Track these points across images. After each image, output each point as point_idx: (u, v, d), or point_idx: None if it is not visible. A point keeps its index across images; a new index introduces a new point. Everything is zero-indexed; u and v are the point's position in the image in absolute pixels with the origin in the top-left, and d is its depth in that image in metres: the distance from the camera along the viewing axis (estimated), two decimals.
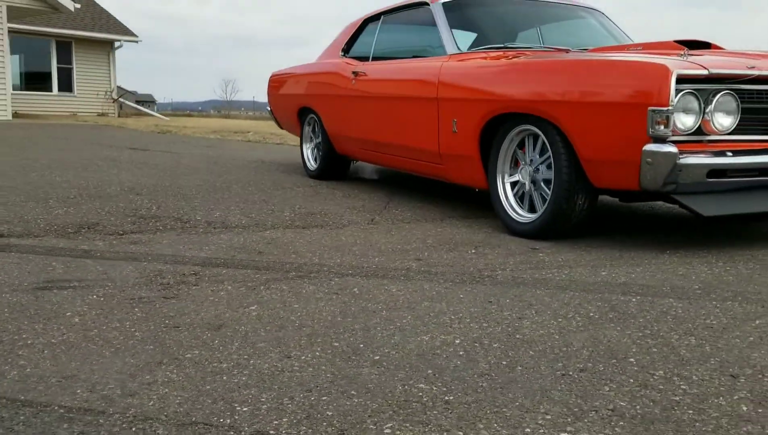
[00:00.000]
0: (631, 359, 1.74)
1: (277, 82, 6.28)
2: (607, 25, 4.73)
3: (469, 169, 3.64)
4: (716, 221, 3.66)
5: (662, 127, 2.62)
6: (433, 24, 4.16)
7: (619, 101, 2.75)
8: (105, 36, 20.88)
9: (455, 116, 3.63)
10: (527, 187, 3.29)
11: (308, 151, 5.77)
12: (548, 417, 1.42)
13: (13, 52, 18.72)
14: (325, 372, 1.65)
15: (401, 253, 2.95)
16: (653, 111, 2.61)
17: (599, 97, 2.83)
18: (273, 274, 2.61)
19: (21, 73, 20.13)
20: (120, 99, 22.20)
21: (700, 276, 2.57)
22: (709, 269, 2.67)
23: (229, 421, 1.40)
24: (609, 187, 2.96)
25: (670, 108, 2.60)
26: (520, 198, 3.37)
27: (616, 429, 1.37)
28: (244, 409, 1.45)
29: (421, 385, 1.58)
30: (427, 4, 4.30)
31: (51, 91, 20.21)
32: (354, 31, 5.26)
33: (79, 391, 1.53)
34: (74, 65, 20.49)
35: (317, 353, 1.78)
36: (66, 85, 20.44)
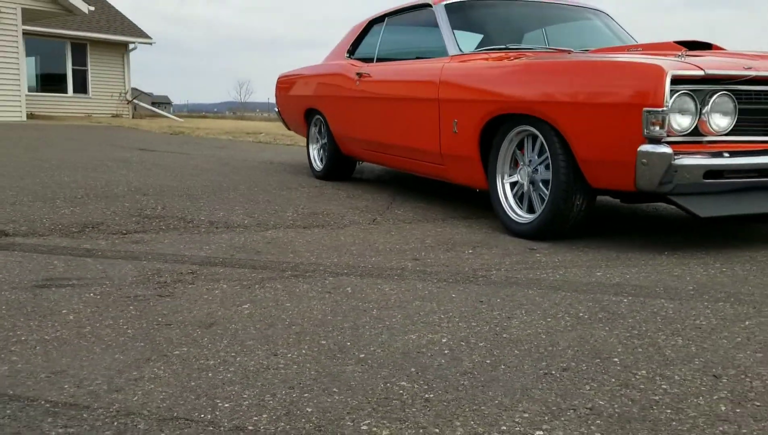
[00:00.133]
0: (615, 359, 1.75)
1: (284, 84, 6.32)
2: (612, 26, 4.72)
3: (470, 170, 3.65)
4: (713, 222, 3.65)
5: (657, 128, 2.62)
6: (436, 25, 4.18)
7: (614, 102, 2.75)
8: (119, 38, 21.07)
9: (456, 117, 3.65)
10: (526, 187, 3.30)
11: (314, 152, 5.80)
12: (526, 415, 1.44)
13: (29, 54, 18.99)
14: (310, 370, 1.68)
15: (398, 253, 2.96)
16: (648, 112, 2.61)
17: (595, 98, 2.83)
18: (269, 273, 2.63)
19: (37, 75, 20.37)
20: (134, 100, 22.38)
21: (695, 277, 2.56)
22: (704, 270, 2.67)
23: (209, 416, 1.42)
24: (606, 187, 2.96)
25: (665, 109, 2.60)
26: (520, 198, 3.38)
27: (592, 427, 1.38)
28: (226, 405, 1.48)
29: (403, 383, 1.60)
30: (429, 5, 4.31)
31: (66, 92, 20.42)
32: (359, 32, 5.28)
33: (66, 386, 1.56)
34: (89, 67, 20.70)
35: (304, 351, 1.80)
36: (81, 87, 20.65)
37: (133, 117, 21.28)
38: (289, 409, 1.46)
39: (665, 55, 2.99)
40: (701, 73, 2.67)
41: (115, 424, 1.38)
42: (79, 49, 20.42)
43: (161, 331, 1.96)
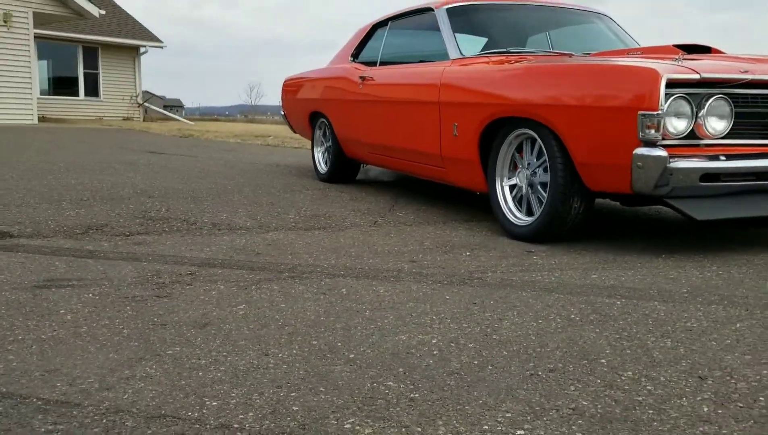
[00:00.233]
0: (603, 360, 1.76)
1: (290, 87, 6.36)
2: (615, 30, 4.73)
3: (470, 173, 3.67)
4: (713, 226, 3.65)
5: (653, 131, 2.63)
6: (438, 29, 4.20)
7: (610, 105, 2.76)
8: (130, 42, 21.24)
9: (456, 120, 3.66)
10: (524, 190, 3.31)
11: (319, 155, 5.84)
12: (508, 415, 1.45)
13: (42, 57, 19.18)
14: (299, 369, 1.70)
15: (396, 255, 2.98)
16: (643, 115, 2.62)
17: (592, 102, 2.84)
18: (266, 274, 2.66)
19: (49, 78, 20.57)
20: (145, 103, 22.53)
21: (690, 279, 2.57)
22: (700, 273, 2.67)
23: (197, 414, 1.45)
24: (603, 190, 2.97)
25: (659, 112, 2.61)
26: (519, 201, 3.39)
27: (573, 427, 1.40)
28: (214, 403, 1.50)
29: (390, 383, 1.62)
30: (431, 9, 4.34)
31: (78, 95, 20.60)
32: (363, 36, 5.32)
33: (59, 384, 1.59)
34: (100, 70, 20.88)
35: (294, 351, 1.83)
36: (92, 90, 20.83)
37: (144, 120, 21.42)
38: (276, 408, 1.48)
39: (663, 58, 3.00)
40: (697, 76, 2.68)
41: (104, 421, 1.41)
42: (91, 52, 20.60)
43: (156, 330, 1.99)
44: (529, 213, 3.31)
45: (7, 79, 14.72)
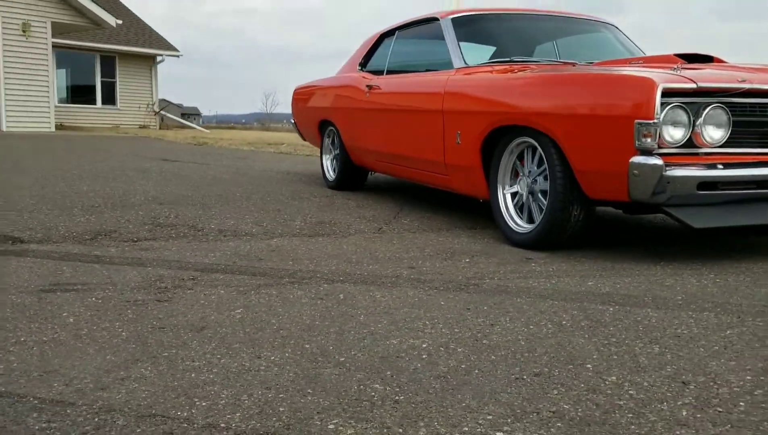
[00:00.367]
0: (588, 365, 1.79)
1: (300, 96, 6.43)
2: (621, 39, 4.75)
3: (472, 180, 3.70)
4: (709, 233, 3.65)
5: (648, 140, 2.65)
6: (443, 38, 4.25)
7: (607, 114, 2.79)
8: (147, 50, 21.48)
9: (459, 128, 3.70)
10: (525, 198, 3.34)
11: (327, 163, 5.90)
12: (489, 417, 1.48)
13: (60, 66, 19.47)
14: (289, 372, 1.74)
15: (396, 262, 3.02)
16: (639, 124, 2.65)
17: (590, 110, 2.87)
18: (267, 279, 2.71)
19: (67, 87, 20.86)
20: (161, 111, 22.75)
21: (686, 287, 2.58)
22: (697, 281, 2.68)
23: (186, 414, 1.49)
24: (602, 198, 3.00)
25: (655, 121, 2.63)
26: (520, 209, 3.42)
27: (552, 430, 1.43)
28: (203, 403, 1.55)
29: (376, 386, 1.65)
30: (437, 19, 4.39)
31: (95, 103, 20.87)
32: (371, 45, 5.38)
33: (56, 384, 1.64)
34: (117, 79, 21.14)
35: (287, 354, 1.87)
36: (109, 98, 21.09)
37: (160, 128, 21.64)
38: (263, 409, 1.52)
39: (663, 67, 3.02)
40: (693, 86, 2.70)
41: (96, 420, 1.46)
42: (108, 61, 20.87)
43: (154, 333, 2.04)
44: (530, 220, 3.34)
45: (26, 88, 14.96)
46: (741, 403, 1.55)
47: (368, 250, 3.29)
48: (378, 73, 5.07)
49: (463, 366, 1.79)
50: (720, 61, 3.43)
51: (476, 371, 1.75)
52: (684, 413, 1.50)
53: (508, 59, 4.03)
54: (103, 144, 11.65)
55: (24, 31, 14.77)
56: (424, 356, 1.85)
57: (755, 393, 1.60)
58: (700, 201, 2.82)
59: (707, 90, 2.75)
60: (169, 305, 2.33)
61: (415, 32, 4.88)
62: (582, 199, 3.06)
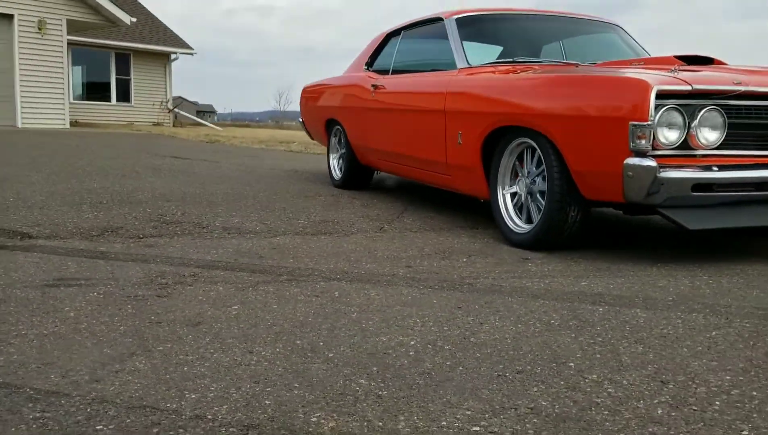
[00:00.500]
0: (571, 363, 1.83)
1: (307, 95, 6.49)
2: (626, 40, 4.77)
3: (473, 180, 3.74)
4: (710, 235, 3.66)
5: (643, 141, 2.68)
6: (447, 39, 4.28)
7: (602, 115, 2.82)
8: (161, 48, 21.65)
9: (460, 128, 3.74)
10: (524, 198, 3.38)
11: (334, 162, 5.95)
12: (468, 413, 1.53)
13: (76, 63, 19.67)
14: (278, 367, 1.79)
15: (394, 260, 3.07)
16: (634, 125, 2.68)
17: (585, 112, 2.90)
18: (265, 277, 2.76)
19: (83, 84, 21.08)
20: (175, 109, 22.91)
21: (679, 288, 2.61)
22: (690, 282, 2.71)
23: (175, 406, 1.54)
24: (598, 199, 3.03)
25: (650, 123, 2.66)
26: (519, 209, 3.45)
27: (527, 425, 1.47)
28: (193, 396, 1.60)
29: (362, 381, 1.70)
30: (441, 19, 4.42)
31: (110, 100, 21.07)
32: (377, 45, 5.42)
33: (52, 376, 1.70)
34: (132, 76, 21.33)
35: (278, 350, 1.92)
36: (124, 96, 21.28)
37: (173, 125, 21.79)
38: (249, 402, 1.57)
39: (662, 69, 3.04)
40: (688, 88, 2.73)
41: (88, 410, 1.51)
42: (123, 59, 21.05)
43: (151, 328, 2.09)
44: (529, 221, 3.38)
45: (41, 85, 15.14)
46: (717, 402, 1.58)
47: (368, 248, 3.34)
48: (384, 72, 5.11)
49: (448, 363, 1.83)
50: (720, 63, 3.45)
51: (460, 368, 1.79)
52: (659, 411, 1.54)
53: (512, 60, 4.06)
54: (115, 141, 11.77)
55: (40, 29, 14.94)
56: (411, 353, 1.90)
57: (732, 393, 1.64)
58: (696, 202, 2.84)
59: (702, 92, 2.77)
60: (168, 301, 2.39)
61: (420, 32, 4.92)
62: (579, 200, 3.09)
